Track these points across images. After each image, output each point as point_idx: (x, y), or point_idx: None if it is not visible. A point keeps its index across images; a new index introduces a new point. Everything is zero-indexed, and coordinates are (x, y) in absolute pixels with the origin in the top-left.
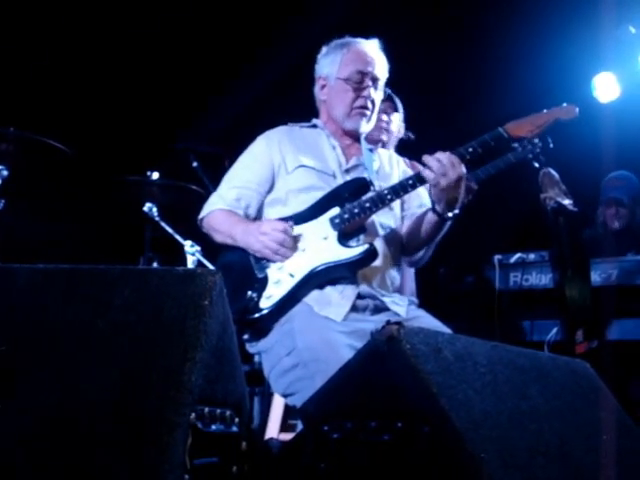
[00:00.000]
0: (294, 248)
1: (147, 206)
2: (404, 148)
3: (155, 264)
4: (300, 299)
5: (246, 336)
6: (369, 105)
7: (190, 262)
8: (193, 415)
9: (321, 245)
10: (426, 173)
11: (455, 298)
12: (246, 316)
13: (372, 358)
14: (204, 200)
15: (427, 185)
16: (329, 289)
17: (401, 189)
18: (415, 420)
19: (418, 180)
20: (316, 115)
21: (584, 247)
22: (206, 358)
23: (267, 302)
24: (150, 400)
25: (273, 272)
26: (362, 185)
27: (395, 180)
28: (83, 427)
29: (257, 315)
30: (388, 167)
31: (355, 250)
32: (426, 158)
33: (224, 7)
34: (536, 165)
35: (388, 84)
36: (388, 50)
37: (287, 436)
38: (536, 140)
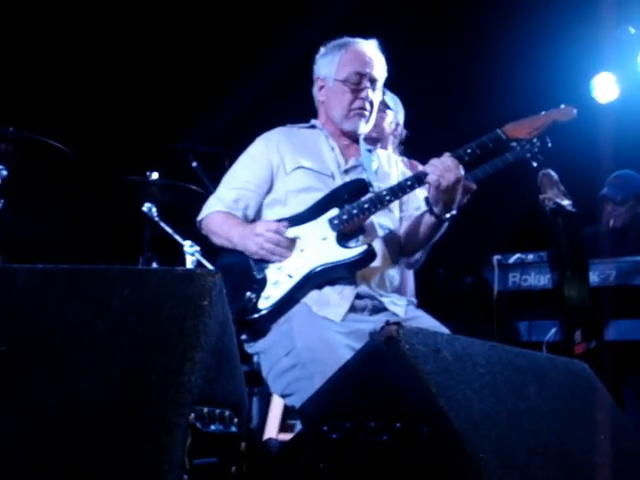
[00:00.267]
0: (293, 249)
1: (146, 206)
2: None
3: (154, 264)
4: (299, 300)
5: (244, 336)
6: (367, 106)
7: (189, 262)
8: (192, 415)
9: (320, 246)
10: (425, 176)
11: (454, 298)
12: (245, 317)
13: (371, 358)
14: (204, 200)
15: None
16: (328, 289)
17: (400, 190)
18: (414, 420)
19: (417, 181)
20: (315, 115)
21: (583, 248)
22: (205, 358)
23: (266, 303)
24: (150, 400)
25: (272, 273)
26: (361, 186)
27: (394, 181)
28: (83, 427)
29: (256, 316)
30: (387, 167)
31: (354, 251)
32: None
33: (224, 7)
34: (534, 165)
35: (388, 84)
36: (388, 50)
37: (286, 436)
38: (534, 139)
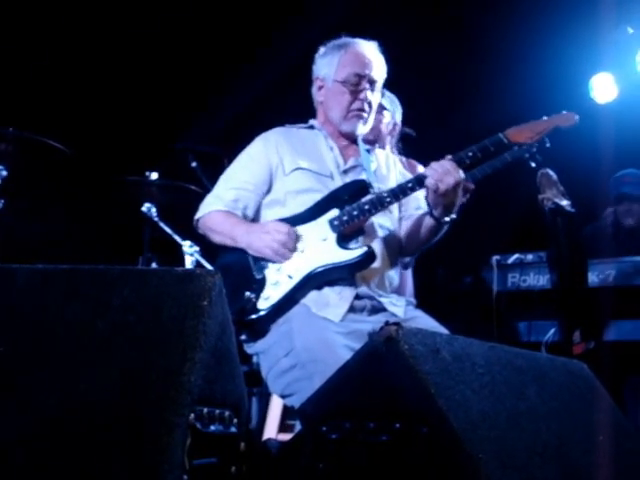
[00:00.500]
0: (293, 249)
1: (146, 206)
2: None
3: (154, 264)
4: (298, 300)
5: (244, 337)
6: (366, 107)
7: (189, 262)
8: (192, 415)
9: (320, 247)
10: (426, 179)
11: (453, 299)
12: (244, 317)
13: (370, 359)
14: (203, 200)
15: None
16: (327, 290)
17: (400, 192)
18: (413, 421)
19: (417, 183)
20: (315, 116)
21: (582, 248)
22: (205, 358)
23: (265, 303)
24: (149, 400)
25: (271, 273)
26: (361, 187)
27: (392, 181)
28: (83, 427)
29: (255, 316)
30: (385, 168)
31: (354, 252)
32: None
33: (224, 7)
34: (533, 165)
35: (387, 83)
36: (387, 50)
37: (285, 436)
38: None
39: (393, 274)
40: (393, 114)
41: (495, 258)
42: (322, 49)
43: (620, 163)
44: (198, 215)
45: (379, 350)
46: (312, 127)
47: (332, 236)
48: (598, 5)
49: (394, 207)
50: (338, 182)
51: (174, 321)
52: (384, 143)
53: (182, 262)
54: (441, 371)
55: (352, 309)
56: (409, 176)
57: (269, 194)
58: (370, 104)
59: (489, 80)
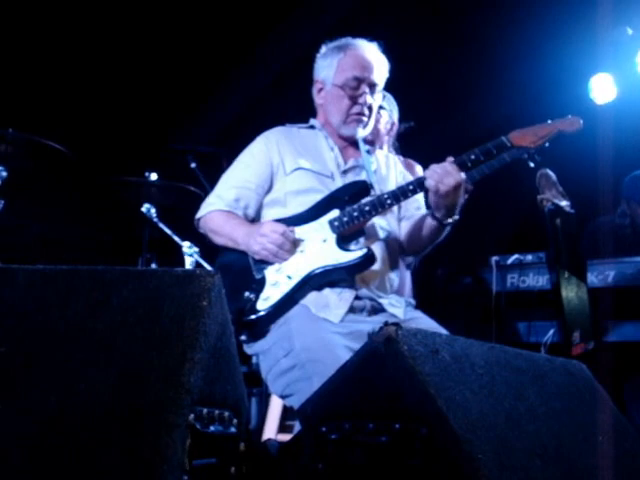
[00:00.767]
0: (292, 250)
1: (145, 207)
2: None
3: (153, 265)
4: (298, 301)
5: (244, 337)
6: (365, 111)
7: (188, 263)
8: (192, 416)
9: (320, 248)
10: (426, 181)
11: (452, 299)
12: (243, 317)
13: (370, 359)
14: (202, 201)
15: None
16: (327, 291)
17: (401, 194)
18: (413, 421)
19: (419, 186)
20: (314, 115)
21: (581, 248)
22: (205, 359)
23: (264, 304)
24: (149, 400)
25: (271, 274)
26: (362, 188)
27: (392, 182)
28: (82, 427)
29: (254, 317)
30: (385, 169)
31: (353, 254)
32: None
33: (223, 8)
34: (532, 165)
35: (387, 83)
36: (387, 50)
37: (285, 437)
38: None
39: (393, 276)
40: (390, 113)
41: (494, 259)
42: (322, 50)
43: (619, 164)
44: (199, 215)
45: (378, 351)
46: (313, 127)
47: (332, 237)
48: (597, 6)
49: (394, 208)
50: (339, 182)
51: (173, 321)
52: (382, 143)
53: (181, 262)
54: (440, 372)
55: (351, 309)
56: (409, 176)
57: (270, 194)
58: (370, 108)
59: (489, 80)
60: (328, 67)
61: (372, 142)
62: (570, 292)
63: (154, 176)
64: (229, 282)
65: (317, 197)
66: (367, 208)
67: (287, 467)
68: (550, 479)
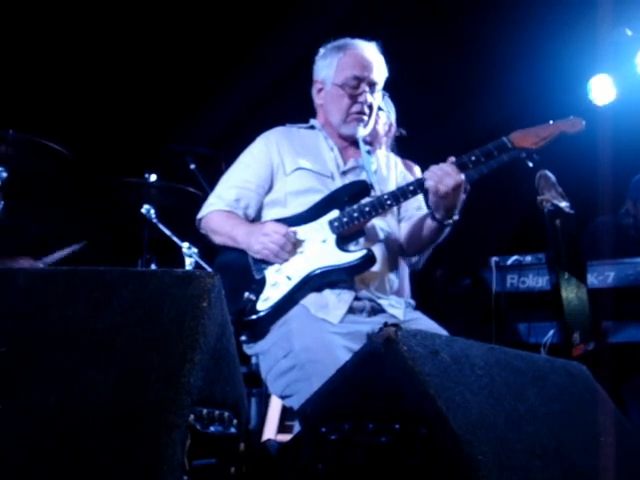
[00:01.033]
0: (292, 251)
1: (145, 208)
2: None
3: (153, 266)
4: (297, 301)
5: (243, 337)
6: (365, 110)
7: (188, 264)
8: (192, 416)
9: (319, 248)
10: (426, 182)
11: (452, 300)
12: (243, 318)
13: (369, 360)
14: (202, 202)
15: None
16: (327, 292)
17: (401, 195)
18: (412, 422)
19: (419, 187)
20: (313, 116)
21: (581, 249)
22: (205, 359)
23: (264, 304)
24: (149, 401)
25: (271, 274)
26: (362, 188)
27: (392, 182)
28: (82, 428)
29: (254, 317)
30: (385, 169)
31: (353, 255)
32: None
33: (222, 8)
34: (530, 164)
35: (387, 84)
36: (387, 50)
37: (285, 437)
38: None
39: (393, 277)
40: (388, 115)
41: (494, 259)
42: (322, 50)
43: (619, 165)
44: (200, 215)
45: (378, 351)
46: (313, 127)
47: (332, 238)
48: (597, 7)
49: (394, 209)
50: (339, 183)
51: (173, 322)
52: (380, 144)
53: (181, 263)
54: (440, 372)
55: (351, 310)
56: (410, 177)
57: (270, 194)
58: (370, 106)
59: (488, 81)
60: (328, 67)
61: (371, 143)
62: (570, 293)
63: (154, 177)
64: (229, 282)
65: (317, 197)
66: (367, 209)
67: (287, 467)
68: None
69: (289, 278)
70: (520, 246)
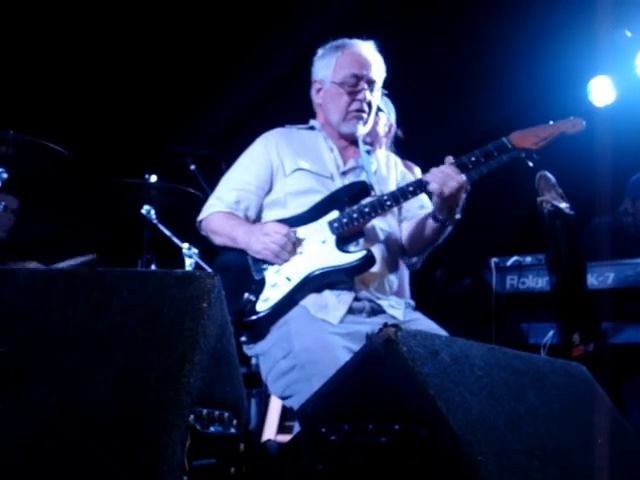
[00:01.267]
0: (292, 251)
1: (145, 208)
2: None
3: (153, 266)
4: (297, 302)
5: (243, 338)
6: (365, 108)
7: (188, 264)
8: (192, 417)
9: (319, 249)
10: (429, 185)
11: (452, 301)
12: (243, 318)
13: (369, 360)
14: (202, 203)
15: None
16: (326, 292)
17: (401, 196)
18: (412, 422)
19: (419, 187)
20: (313, 116)
21: (580, 250)
22: (204, 360)
23: (264, 305)
24: (149, 401)
25: (270, 275)
26: (362, 189)
27: (392, 182)
28: (82, 428)
29: (254, 318)
30: (385, 169)
31: (353, 256)
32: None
33: (222, 9)
34: (530, 164)
35: (387, 83)
36: (387, 50)
37: (284, 438)
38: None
39: (393, 277)
40: (388, 116)
41: (494, 260)
42: (320, 51)
43: (618, 166)
44: (200, 217)
45: (378, 352)
46: (312, 128)
47: (331, 238)
48: (597, 8)
49: (395, 209)
50: (338, 183)
51: (173, 323)
52: (380, 144)
53: (181, 264)
54: (440, 373)
55: (351, 310)
56: (410, 177)
57: (269, 195)
58: (369, 104)
59: (488, 82)
60: (326, 66)
61: (371, 144)
62: (569, 293)
63: (154, 178)
64: (228, 283)
65: (317, 198)
66: (367, 209)
67: (287, 468)
68: None
69: (289, 279)
70: (520, 247)
